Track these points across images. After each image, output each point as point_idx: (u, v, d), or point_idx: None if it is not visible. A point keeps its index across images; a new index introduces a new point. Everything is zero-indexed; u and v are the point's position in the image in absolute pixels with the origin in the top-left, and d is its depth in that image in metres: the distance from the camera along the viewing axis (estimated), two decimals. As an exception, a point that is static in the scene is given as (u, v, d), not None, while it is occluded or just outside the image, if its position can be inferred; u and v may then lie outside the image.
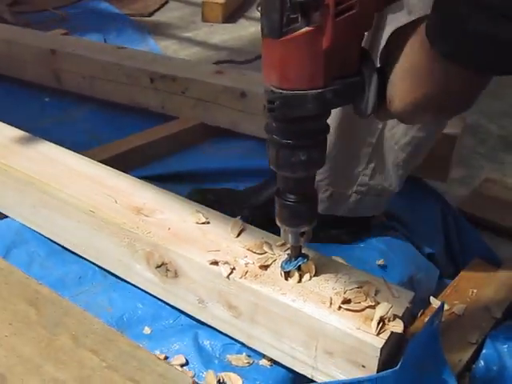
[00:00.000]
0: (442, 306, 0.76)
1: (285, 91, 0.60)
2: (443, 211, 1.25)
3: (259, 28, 0.61)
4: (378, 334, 0.69)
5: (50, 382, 0.72)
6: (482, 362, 0.97)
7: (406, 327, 0.73)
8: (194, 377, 0.78)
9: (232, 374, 0.81)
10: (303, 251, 0.78)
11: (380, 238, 1.12)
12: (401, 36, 0.60)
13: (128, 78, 1.50)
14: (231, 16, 2.68)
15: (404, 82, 0.60)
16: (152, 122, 1.48)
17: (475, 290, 1.10)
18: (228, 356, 0.84)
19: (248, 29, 2.51)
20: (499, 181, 1.50)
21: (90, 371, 0.74)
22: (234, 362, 0.83)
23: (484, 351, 0.98)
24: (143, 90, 1.50)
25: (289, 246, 0.77)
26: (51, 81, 1.63)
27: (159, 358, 0.77)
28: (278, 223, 0.74)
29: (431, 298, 1.03)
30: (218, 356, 0.85)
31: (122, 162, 1.06)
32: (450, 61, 0.53)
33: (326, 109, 0.64)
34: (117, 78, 1.51)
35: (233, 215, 0.91)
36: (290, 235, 0.74)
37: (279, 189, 0.72)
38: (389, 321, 0.70)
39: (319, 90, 0.60)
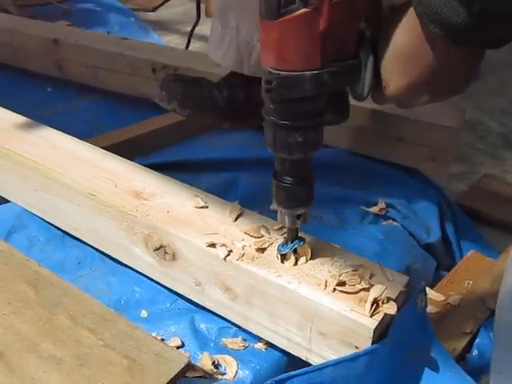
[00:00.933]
0: (423, 288, 0.76)
1: (282, 72, 0.61)
2: (441, 204, 1.25)
3: None
4: (372, 316, 0.70)
5: (47, 359, 0.73)
6: (475, 351, 0.99)
7: (399, 310, 0.74)
8: (189, 358, 0.79)
9: (227, 357, 0.82)
10: (300, 235, 0.78)
11: (378, 228, 1.13)
12: (391, 18, 0.60)
13: (131, 69, 1.51)
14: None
15: (397, 65, 0.61)
16: (154, 112, 1.49)
17: (471, 282, 1.11)
18: (224, 339, 0.85)
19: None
20: (498, 176, 1.52)
21: (87, 349, 0.75)
22: (229, 345, 0.84)
23: (477, 340, 0.99)
24: (145, 81, 1.51)
25: (285, 229, 0.78)
26: (54, 71, 1.64)
27: (156, 339, 0.78)
28: (274, 205, 0.75)
29: (428, 288, 1.04)
30: (213, 339, 0.86)
31: (123, 151, 1.07)
32: (448, 40, 0.53)
33: (323, 90, 0.64)
34: (119, 69, 1.52)
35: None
36: (286, 217, 0.75)
37: (276, 171, 0.73)
38: (382, 303, 0.71)
39: (316, 72, 0.61)
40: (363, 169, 1.30)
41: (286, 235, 0.78)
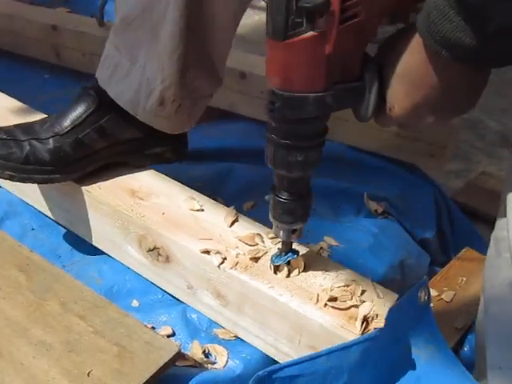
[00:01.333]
0: (425, 282, 0.76)
1: (286, 93, 0.61)
2: (437, 199, 1.25)
3: (263, 17, 0.61)
4: (362, 333, 0.71)
5: (37, 344, 0.73)
6: (467, 346, 1.00)
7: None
8: (179, 347, 0.78)
9: (218, 346, 0.83)
10: (294, 247, 0.79)
11: (373, 222, 1.13)
12: (397, 39, 0.60)
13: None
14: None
15: (402, 87, 0.60)
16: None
17: (464, 278, 1.11)
18: (215, 329, 0.86)
19: (252, 17, 2.48)
20: (495, 174, 1.51)
21: (77, 335, 0.75)
22: (220, 336, 0.85)
23: (469, 336, 1.00)
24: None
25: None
26: (51, 57, 1.61)
27: (146, 327, 0.77)
28: (270, 219, 0.75)
29: (421, 283, 1.05)
30: (204, 329, 0.86)
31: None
32: (455, 61, 0.54)
33: (326, 112, 0.65)
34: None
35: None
36: (281, 232, 0.75)
37: (274, 186, 0.73)
38: (372, 320, 0.72)
39: (320, 94, 0.61)
40: (361, 163, 1.29)
41: (280, 246, 0.79)
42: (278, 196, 0.72)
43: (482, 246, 1.23)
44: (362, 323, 0.71)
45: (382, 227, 1.14)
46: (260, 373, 0.68)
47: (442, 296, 1.06)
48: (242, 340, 0.84)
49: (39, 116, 1.07)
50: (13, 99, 1.15)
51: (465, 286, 1.10)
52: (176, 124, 0.96)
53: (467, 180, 1.50)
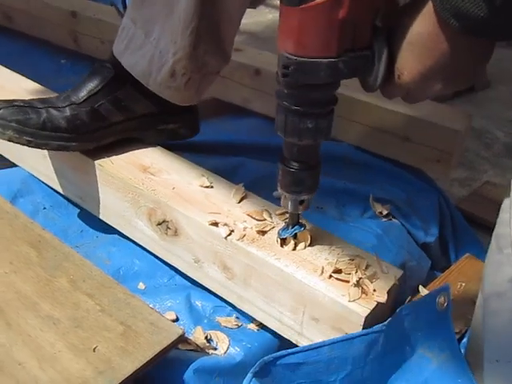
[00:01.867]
0: (446, 288, 0.78)
1: (299, 58, 0.63)
2: (441, 205, 1.27)
3: (277, 15, 0.63)
4: (364, 304, 0.72)
5: (44, 318, 0.75)
6: (462, 351, 1.00)
7: (390, 300, 0.76)
8: (183, 330, 0.80)
9: (219, 333, 0.84)
10: (301, 221, 0.80)
11: (377, 223, 1.14)
12: (407, 10, 0.62)
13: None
14: (252, 2, 2.69)
15: (412, 54, 0.62)
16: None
17: (463, 284, 1.12)
18: (218, 317, 0.87)
19: (266, 15, 2.53)
20: (500, 184, 1.52)
21: (84, 313, 0.76)
22: (222, 323, 0.86)
23: (464, 340, 1.00)
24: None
25: (287, 214, 0.80)
26: (69, 43, 1.65)
27: (152, 308, 0.79)
28: (279, 189, 0.76)
29: (420, 286, 1.06)
30: (207, 316, 0.88)
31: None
32: (462, 32, 0.55)
33: (337, 79, 0.66)
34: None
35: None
36: (289, 202, 0.76)
37: (284, 156, 0.74)
38: (374, 291, 0.73)
39: (332, 59, 0.62)
40: (368, 165, 1.31)
41: (287, 220, 0.80)
42: (286, 166, 0.74)
43: (483, 254, 1.23)
44: (365, 294, 0.72)
45: (386, 229, 1.15)
46: (265, 358, 0.70)
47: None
48: (243, 328, 0.86)
49: None
50: (31, 81, 1.17)
51: (463, 292, 1.10)
52: (185, 96, 1.00)
53: (472, 189, 1.51)
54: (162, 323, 0.76)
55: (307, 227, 0.80)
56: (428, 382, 0.77)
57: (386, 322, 0.74)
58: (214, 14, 0.92)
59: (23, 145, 0.90)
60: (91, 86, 0.96)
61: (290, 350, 0.71)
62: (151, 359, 0.71)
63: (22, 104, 0.92)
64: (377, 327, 0.73)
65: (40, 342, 0.72)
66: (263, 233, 0.81)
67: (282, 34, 0.64)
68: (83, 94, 0.95)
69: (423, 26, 0.60)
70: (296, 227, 0.78)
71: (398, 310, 0.75)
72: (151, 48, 0.94)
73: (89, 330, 0.74)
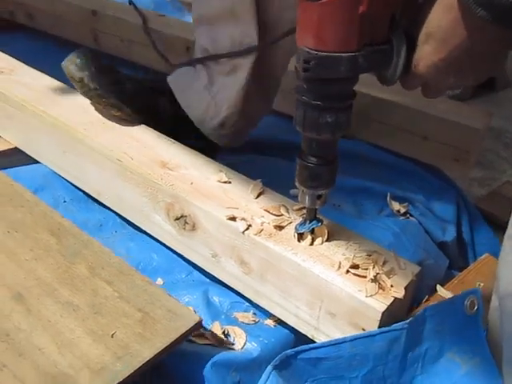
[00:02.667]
0: (475, 292, 0.77)
1: (320, 52, 0.63)
2: (459, 204, 1.26)
3: None
4: (381, 299, 0.72)
5: (64, 304, 0.75)
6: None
7: (408, 297, 0.76)
8: (201, 318, 0.78)
9: (237, 328, 0.84)
10: (318, 216, 0.80)
11: (394, 221, 1.14)
12: (430, 1, 0.62)
13: (165, 45, 1.52)
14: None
15: (430, 44, 0.62)
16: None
17: (482, 284, 1.11)
18: (235, 313, 0.87)
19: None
20: (519, 185, 1.52)
21: (103, 299, 0.77)
22: (240, 319, 0.86)
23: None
24: (178, 58, 1.52)
25: (305, 209, 0.80)
26: (89, 41, 1.67)
27: (170, 296, 0.79)
28: (296, 184, 0.77)
29: (438, 286, 1.05)
30: (225, 312, 0.88)
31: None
32: (490, 22, 0.55)
33: (357, 73, 0.66)
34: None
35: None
36: (307, 197, 0.76)
37: (302, 150, 0.74)
38: (392, 286, 0.73)
39: (352, 54, 0.63)
40: (386, 163, 1.30)
41: (304, 215, 0.80)
42: (304, 160, 0.74)
43: (501, 253, 1.23)
44: (382, 289, 0.72)
45: (403, 227, 1.14)
46: (287, 351, 0.70)
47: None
48: (260, 324, 0.86)
49: (78, 95, 1.10)
50: (53, 79, 1.18)
51: (481, 291, 1.10)
52: (231, 141, 1.15)
53: (490, 188, 1.50)
54: (179, 310, 0.76)
55: (324, 222, 0.80)
56: None
57: (407, 321, 0.74)
58: (263, 70, 1.04)
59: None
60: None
61: (311, 345, 0.72)
62: (169, 345, 0.71)
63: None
64: (398, 325, 0.73)
65: (59, 328, 0.72)
66: (280, 228, 0.81)
67: (302, 29, 0.64)
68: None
69: (443, 18, 0.60)
70: (313, 222, 0.79)
71: (421, 310, 0.75)
72: (209, 97, 1.07)
73: (107, 316, 0.74)
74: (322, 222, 0.80)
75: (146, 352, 0.70)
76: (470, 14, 0.56)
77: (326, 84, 0.66)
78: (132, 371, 0.67)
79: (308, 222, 0.79)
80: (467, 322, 0.76)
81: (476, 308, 0.76)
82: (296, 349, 0.71)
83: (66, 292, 0.77)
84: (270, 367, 0.68)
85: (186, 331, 0.74)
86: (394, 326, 0.73)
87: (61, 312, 0.74)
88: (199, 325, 0.76)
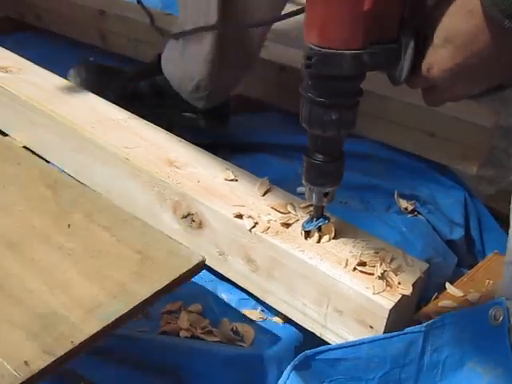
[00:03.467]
0: (500, 302, 0.76)
1: (323, 49, 0.63)
2: (467, 202, 1.26)
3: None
4: (389, 296, 0.71)
5: (59, 249, 0.73)
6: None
7: (416, 294, 0.76)
8: (204, 257, 0.75)
9: (245, 325, 0.84)
10: (325, 214, 0.80)
11: (402, 219, 1.14)
12: (443, 3, 0.61)
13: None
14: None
15: (447, 49, 0.62)
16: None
17: (491, 281, 1.10)
18: (243, 310, 0.88)
19: (292, 12, 2.52)
20: (529, 183, 1.50)
21: (99, 243, 0.74)
22: (248, 316, 0.87)
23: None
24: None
25: (312, 207, 0.80)
26: (97, 40, 1.67)
27: (171, 238, 0.77)
28: (303, 182, 0.77)
29: (447, 284, 1.05)
30: (233, 309, 0.88)
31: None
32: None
33: (361, 71, 0.66)
34: (161, 43, 1.54)
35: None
36: (314, 194, 0.76)
37: (308, 148, 0.74)
38: (399, 284, 0.73)
39: (357, 52, 0.62)
40: (393, 161, 1.30)
41: (311, 213, 0.80)
42: (311, 158, 0.74)
43: (510, 252, 1.23)
44: (390, 286, 0.72)
45: (411, 225, 1.14)
46: (307, 351, 0.70)
47: (468, 297, 1.06)
48: (268, 321, 0.86)
49: (86, 94, 1.14)
50: (61, 78, 1.19)
51: (491, 289, 1.09)
52: (207, 103, 1.22)
53: (499, 187, 1.49)
54: (181, 251, 0.74)
55: (331, 220, 0.80)
56: None
57: (424, 324, 0.74)
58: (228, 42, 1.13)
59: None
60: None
61: (330, 346, 0.72)
62: (169, 284, 0.69)
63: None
64: (415, 328, 0.73)
65: (52, 271, 0.69)
66: (287, 225, 0.81)
67: (307, 25, 0.64)
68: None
69: (463, 23, 0.59)
70: (320, 220, 0.79)
71: (439, 316, 0.74)
72: (183, 64, 1.17)
73: (104, 259, 0.71)
74: (329, 219, 0.79)
75: (144, 290, 0.67)
76: (495, 23, 0.55)
77: (330, 81, 0.66)
78: (129, 309, 0.64)
79: (315, 219, 0.79)
80: (491, 333, 0.76)
81: (502, 319, 0.75)
82: (315, 349, 0.71)
83: (61, 238, 0.74)
84: (289, 367, 0.68)
85: (187, 270, 0.71)
86: (411, 328, 0.73)
87: (55, 257, 0.71)
88: (202, 264, 0.73)
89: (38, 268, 0.70)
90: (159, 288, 0.67)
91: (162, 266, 0.71)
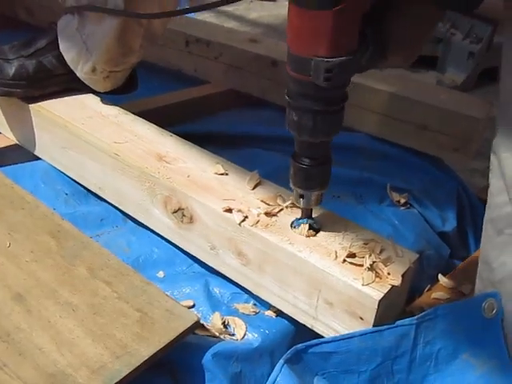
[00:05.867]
0: (494, 294, 0.76)
1: (338, 58, 0.63)
2: (459, 194, 1.26)
3: None
4: (378, 287, 0.72)
5: (63, 304, 0.77)
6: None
7: (406, 284, 0.76)
8: (200, 318, 0.81)
9: (237, 319, 0.84)
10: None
11: (394, 211, 1.14)
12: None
13: (164, 40, 1.53)
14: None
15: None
16: (183, 84, 1.52)
17: (484, 273, 1.11)
18: (235, 304, 0.88)
19: (286, 9, 2.53)
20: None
21: (101, 300, 0.78)
22: (240, 310, 0.87)
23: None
24: (178, 53, 1.53)
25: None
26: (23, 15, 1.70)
27: (168, 296, 0.80)
28: (291, 186, 0.78)
29: (440, 275, 1.05)
30: (225, 303, 0.89)
31: (150, 119, 1.09)
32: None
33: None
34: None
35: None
36: (301, 198, 0.77)
37: (295, 152, 0.75)
38: (389, 274, 0.73)
39: (356, 54, 0.65)
40: (385, 154, 1.30)
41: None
42: (298, 162, 0.74)
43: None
44: (379, 277, 0.72)
45: (403, 217, 1.14)
46: (298, 346, 0.71)
47: (461, 288, 1.06)
48: (261, 315, 0.86)
49: (77, 92, 1.14)
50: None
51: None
52: (105, 86, 1.15)
53: (492, 179, 1.49)
54: (177, 310, 0.77)
55: (322, 212, 0.81)
56: None
57: (416, 316, 0.74)
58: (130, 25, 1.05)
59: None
60: (40, 42, 1.10)
61: (321, 339, 0.73)
62: (167, 345, 0.73)
63: None
64: (407, 320, 0.74)
65: (59, 328, 0.73)
66: (271, 215, 0.82)
67: (310, 39, 0.64)
68: (32, 49, 1.09)
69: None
70: (309, 220, 0.80)
71: (432, 308, 0.75)
72: (80, 42, 1.08)
73: (106, 317, 0.75)
74: (318, 222, 0.81)
75: (145, 351, 0.71)
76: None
77: (336, 89, 0.67)
78: (130, 370, 0.68)
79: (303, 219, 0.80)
80: (485, 325, 0.76)
81: (495, 311, 0.75)
82: (307, 343, 0.72)
83: (66, 293, 0.78)
84: (281, 361, 0.69)
85: (184, 331, 0.75)
86: (403, 321, 0.74)
87: (60, 312, 0.76)
88: (197, 324, 0.77)
89: (45, 324, 0.74)
90: (158, 349, 0.72)
91: (160, 326, 0.75)
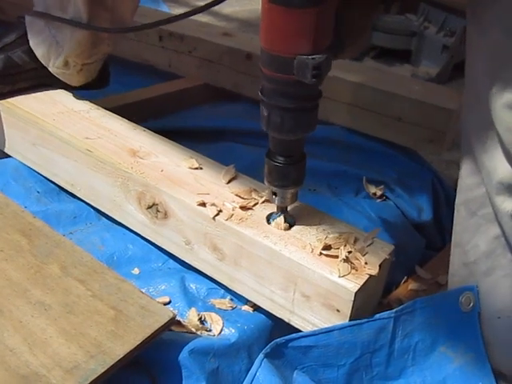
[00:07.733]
0: (471, 288, 0.77)
1: (324, 55, 0.63)
2: (435, 185, 1.27)
3: None
4: (354, 279, 0.71)
5: (36, 304, 0.75)
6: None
7: (382, 275, 0.76)
8: (177, 315, 0.80)
9: (213, 314, 0.84)
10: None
11: (370, 203, 1.14)
12: None
13: (137, 35, 1.51)
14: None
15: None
16: (157, 79, 1.50)
17: (459, 264, 1.12)
18: (212, 299, 0.87)
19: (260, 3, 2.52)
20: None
21: (75, 298, 0.76)
22: (217, 305, 0.86)
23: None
24: (151, 48, 1.52)
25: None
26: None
27: (143, 293, 0.79)
28: (266, 184, 0.77)
29: (416, 266, 1.06)
30: (202, 298, 0.88)
31: (124, 114, 1.08)
32: None
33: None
34: (126, 34, 1.52)
35: None
36: (276, 196, 0.77)
37: (270, 150, 0.74)
38: (366, 264, 0.73)
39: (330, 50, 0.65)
40: (360, 146, 1.31)
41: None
42: (272, 160, 0.74)
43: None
44: (354, 269, 0.72)
45: (379, 209, 1.15)
46: (278, 340, 0.71)
47: (437, 279, 1.07)
48: (238, 310, 0.85)
49: (49, 87, 1.12)
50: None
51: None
52: (79, 80, 1.13)
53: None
54: (152, 307, 0.76)
55: (297, 205, 0.80)
56: (447, 380, 0.77)
57: (394, 309, 0.74)
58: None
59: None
60: (8, 37, 1.08)
61: (300, 333, 0.73)
62: (142, 342, 0.71)
63: None
64: (385, 313, 0.74)
65: (31, 328, 0.72)
66: (246, 209, 0.81)
67: (295, 37, 0.63)
68: (0, 44, 1.07)
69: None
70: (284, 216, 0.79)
71: (410, 302, 0.75)
72: (50, 36, 1.06)
73: (80, 315, 0.74)
74: (293, 218, 0.80)
75: (120, 349, 0.69)
76: None
77: (303, 86, 0.66)
78: (105, 369, 0.67)
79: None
80: (462, 318, 0.77)
81: (471, 305, 0.76)
82: (286, 337, 0.71)
83: (38, 292, 0.77)
84: (261, 355, 0.69)
85: (160, 327, 0.74)
86: (381, 314, 0.74)
87: (32, 312, 0.74)
88: (173, 320, 0.76)
89: (16, 324, 0.72)
90: (133, 347, 0.70)
91: (135, 323, 0.73)
